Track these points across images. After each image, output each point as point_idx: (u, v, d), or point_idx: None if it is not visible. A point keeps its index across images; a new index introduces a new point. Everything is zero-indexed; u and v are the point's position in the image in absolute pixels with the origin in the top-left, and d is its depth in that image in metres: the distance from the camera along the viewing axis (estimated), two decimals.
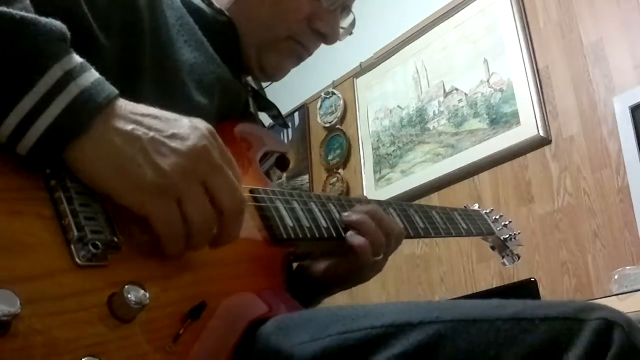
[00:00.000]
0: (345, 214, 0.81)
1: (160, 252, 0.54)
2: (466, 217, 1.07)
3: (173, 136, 0.54)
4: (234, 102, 0.85)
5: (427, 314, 0.52)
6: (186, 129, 0.55)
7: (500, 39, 2.36)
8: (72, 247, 0.49)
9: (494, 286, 2.15)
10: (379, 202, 0.89)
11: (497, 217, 1.18)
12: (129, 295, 0.48)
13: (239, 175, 0.59)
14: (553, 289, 2.01)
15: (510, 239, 1.16)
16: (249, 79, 0.94)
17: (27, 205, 0.49)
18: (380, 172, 2.72)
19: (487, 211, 1.18)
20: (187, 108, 0.73)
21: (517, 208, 2.18)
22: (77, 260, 0.49)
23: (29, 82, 0.48)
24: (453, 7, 2.57)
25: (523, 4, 2.34)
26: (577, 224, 2.00)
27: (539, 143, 2.16)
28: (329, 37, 0.88)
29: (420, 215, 0.94)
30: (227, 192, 0.56)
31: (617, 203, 1.92)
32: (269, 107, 0.96)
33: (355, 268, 0.81)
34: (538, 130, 2.14)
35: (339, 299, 0.91)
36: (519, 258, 1.16)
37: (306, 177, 3.04)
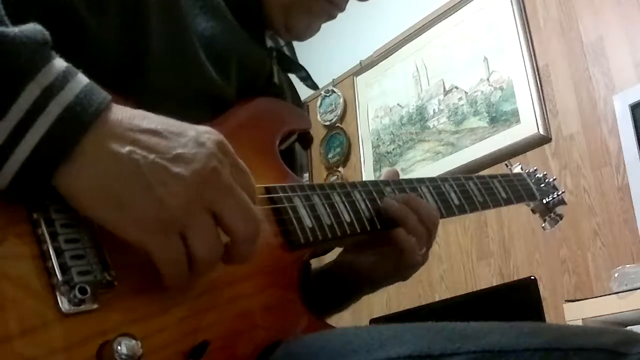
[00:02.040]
0: (385, 200, 0.76)
1: (159, 281, 0.49)
2: (506, 184, 0.98)
3: (176, 159, 0.47)
4: (256, 75, 0.78)
5: (449, 343, 0.47)
6: (191, 147, 0.48)
7: (500, 37, 2.35)
8: (57, 293, 0.44)
9: (495, 284, 2.15)
10: (411, 180, 0.84)
11: (541, 175, 1.10)
12: (120, 348, 0.43)
13: (252, 189, 0.53)
14: (553, 287, 2.01)
15: (554, 200, 1.08)
16: (277, 37, 0.87)
17: (7, 245, 0.43)
18: (380, 171, 2.72)
19: (530, 170, 1.10)
20: (204, 88, 0.67)
21: (518, 205, 2.17)
22: (62, 308, 0.43)
23: (0, 109, 0.42)
24: (453, 6, 2.57)
25: (523, 3, 2.34)
26: (577, 222, 2.00)
27: (539, 141, 2.16)
28: None
29: (456, 189, 0.87)
30: (239, 217, 0.50)
31: (617, 201, 1.92)
32: (297, 68, 0.88)
33: (399, 266, 0.78)
34: (538, 129, 2.14)
35: None
36: (561, 218, 1.09)
37: (306, 175, 3.03)
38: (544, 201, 1.07)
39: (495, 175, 0.98)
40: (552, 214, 1.09)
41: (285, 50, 0.88)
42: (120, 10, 0.59)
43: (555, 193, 1.09)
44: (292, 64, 0.87)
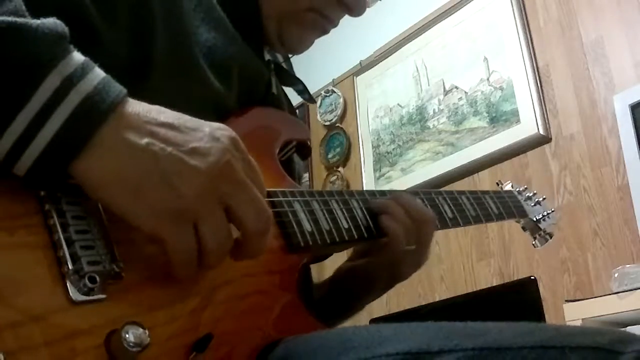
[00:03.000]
0: (370, 202, 0.77)
1: (166, 275, 0.51)
2: (498, 200, 1.00)
3: (193, 152, 0.48)
4: (255, 85, 0.79)
5: (447, 341, 0.48)
6: (207, 141, 0.50)
7: (500, 37, 2.35)
8: (67, 281, 0.45)
9: (495, 284, 2.15)
10: (406, 191, 0.86)
11: (531, 194, 1.12)
12: (128, 336, 0.44)
13: (262, 185, 0.54)
14: (553, 287, 2.01)
15: (544, 218, 1.10)
16: (275, 53, 0.89)
17: (19, 235, 0.45)
18: (380, 171, 2.72)
19: (521, 189, 1.12)
20: (205, 96, 0.68)
21: None
22: (72, 296, 0.44)
23: (23, 97, 0.43)
24: (453, 5, 2.57)
25: (523, 3, 2.34)
26: (577, 222, 2.00)
27: (539, 141, 2.16)
28: (355, 9, 0.83)
29: (450, 203, 0.89)
30: (251, 211, 0.51)
31: (617, 201, 1.92)
32: (294, 82, 0.90)
33: (389, 261, 0.77)
34: (538, 129, 2.14)
35: None
36: (551, 237, 1.11)
37: (306, 175, 3.04)
38: (535, 219, 1.10)
39: (487, 191, 1.01)
40: (542, 232, 1.11)
41: (284, 64, 0.90)
42: (128, 19, 0.61)
43: (545, 211, 1.12)
44: (290, 77, 0.89)
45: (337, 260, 0.87)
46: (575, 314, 1.53)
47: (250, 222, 0.51)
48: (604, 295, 1.57)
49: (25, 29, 0.43)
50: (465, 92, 2.45)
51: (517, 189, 1.12)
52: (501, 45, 2.34)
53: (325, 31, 0.84)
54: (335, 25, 0.84)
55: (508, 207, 1.03)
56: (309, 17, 0.80)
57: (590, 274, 1.94)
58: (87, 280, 0.45)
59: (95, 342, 0.45)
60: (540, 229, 1.10)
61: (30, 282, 0.43)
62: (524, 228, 1.12)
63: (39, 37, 0.44)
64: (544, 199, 1.14)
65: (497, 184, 1.16)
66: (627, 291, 1.48)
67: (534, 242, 1.12)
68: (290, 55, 0.93)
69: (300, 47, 0.84)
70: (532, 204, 1.10)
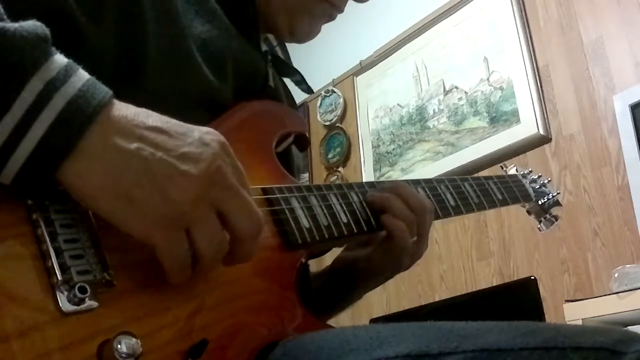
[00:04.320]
0: (368, 195, 0.75)
1: (158, 281, 0.50)
2: (502, 185, 0.99)
3: (183, 157, 0.47)
4: (251, 78, 0.78)
5: (447, 343, 0.47)
6: (197, 146, 0.49)
7: (500, 37, 2.35)
8: (57, 292, 0.44)
9: (495, 284, 2.15)
10: (407, 181, 0.84)
11: (536, 177, 1.11)
12: (120, 346, 0.44)
13: (249, 190, 0.53)
14: (553, 287, 2.01)
15: (549, 201, 1.09)
16: (270, 36, 0.88)
17: (7, 246, 0.44)
18: (380, 171, 2.72)
19: (525, 172, 1.11)
20: (201, 91, 0.68)
21: (518, 206, 2.17)
22: (62, 307, 0.44)
23: (4, 103, 0.42)
24: (453, 5, 2.57)
25: (523, 3, 2.34)
26: (577, 222, 2.00)
27: (539, 141, 2.16)
28: None
29: (452, 191, 0.88)
30: (243, 216, 0.51)
31: (617, 201, 1.92)
32: (292, 72, 0.90)
33: (393, 255, 0.76)
34: (538, 129, 2.14)
35: None
36: (556, 220, 1.10)
37: (306, 175, 3.04)
38: (539, 202, 1.08)
39: (491, 177, 0.99)
40: (547, 215, 1.09)
41: (280, 53, 0.90)
42: (117, 16, 0.59)
43: (550, 194, 1.10)
44: (287, 68, 0.89)
45: (337, 252, 0.87)
46: (575, 314, 1.53)
47: (243, 226, 0.51)
48: (604, 295, 1.57)
49: (2, 34, 0.42)
50: (465, 92, 2.45)
51: (522, 173, 1.10)
52: (501, 45, 2.34)
53: (331, 18, 0.86)
54: (341, 11, 0.86)
55: (512, 192, 1.01)
56: (318, 6, 0.82)
57: (590, 274, 1.94)
58: (77, 291, 0.44)
59: (87, 353, 0.44)
60: (546, 212, 1.09)
61: (20, 294, 0.42)
62: (528, 212, 1.11)
63: (18, 41, 0.43)
64: (549, 181, 1.12)
65: (502, 167, 1.14)
66: (627, 291, 1.48)
67: (539, 226, 1.10)
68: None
69: (310, 36, 0.85)
70: (537, 187, 1.09)
